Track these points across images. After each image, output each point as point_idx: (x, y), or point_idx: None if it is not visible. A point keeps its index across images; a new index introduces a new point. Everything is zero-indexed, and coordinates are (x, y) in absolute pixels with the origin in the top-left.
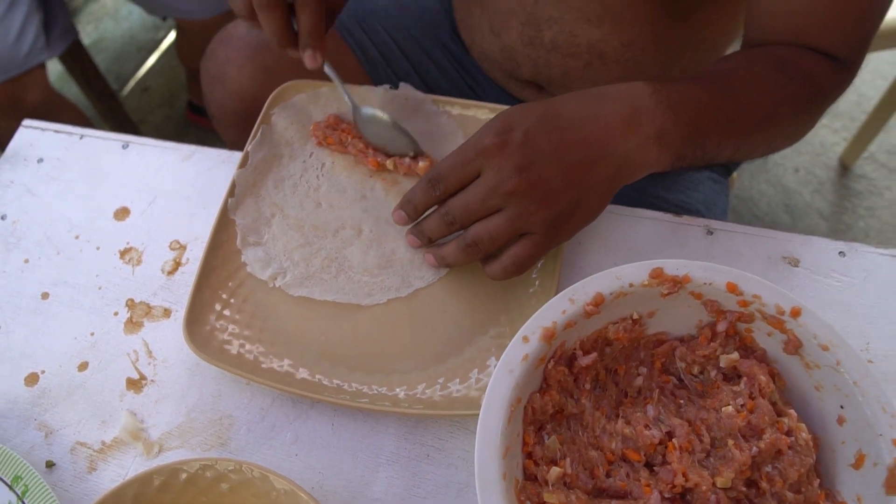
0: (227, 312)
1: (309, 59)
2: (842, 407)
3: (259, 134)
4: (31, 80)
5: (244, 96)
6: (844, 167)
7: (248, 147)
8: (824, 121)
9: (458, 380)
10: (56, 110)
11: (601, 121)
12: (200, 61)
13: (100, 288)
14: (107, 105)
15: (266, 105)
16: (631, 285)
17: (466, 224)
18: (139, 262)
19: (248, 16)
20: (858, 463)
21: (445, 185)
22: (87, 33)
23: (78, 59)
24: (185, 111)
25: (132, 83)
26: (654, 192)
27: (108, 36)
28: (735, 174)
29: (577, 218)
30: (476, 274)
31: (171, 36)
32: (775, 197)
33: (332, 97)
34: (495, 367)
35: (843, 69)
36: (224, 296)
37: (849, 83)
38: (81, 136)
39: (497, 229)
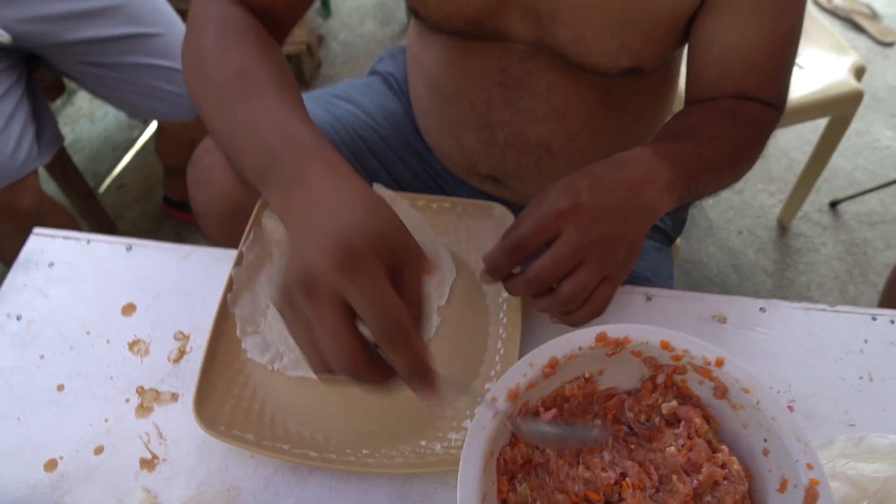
0: (231, 393)
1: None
2: (765, 440)
3: (251, 235)
4: (26, 186)
5: (228, 198)
6: (783, 227)
7: (242, 247)
8: (760, 185)
9: (437, 442)
10: (46, 211)
11: (631, 181)
12: (186, 167)
13: (111, 378)
14: (85, 202)
15: (255, 209)
16: (580, 348)
17: (552, 282)
18: (147, 352)
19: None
20: (783, 487)
21: (529, 248)
22: (65, 134)
23: (58, 159)
24: (161, 205)
25: (109, 181)
26: None
27: (84, 136)
28: (679, 241)
29: (634, 256)
30: (455, 351)
31: (146, 135)
32: (723, 259)
33: None
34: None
35: (776, 110)
36: (228, 378)
37: (776, 123)
38: (88, 241)
39: (587, 280)
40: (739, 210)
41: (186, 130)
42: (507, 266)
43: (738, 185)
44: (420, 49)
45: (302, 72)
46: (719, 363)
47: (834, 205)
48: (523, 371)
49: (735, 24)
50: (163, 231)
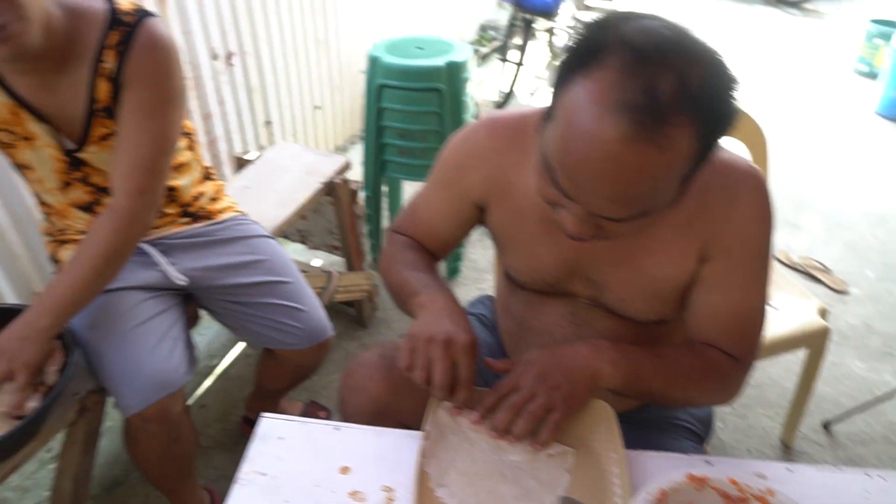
0: None
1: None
2: None
3: (430, 418)
4: (178, 396)
5: (378, 402)
6: (786, 446)
7: (426, 427)
8: (761, 410)
9: None
10: (184, 418)
11: (579, 351)
12: (284, 389)
13: None
14: None
15: (430, 403)
16: (677, 483)
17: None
18: (364, 499)
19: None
20: None
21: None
22: None
23: None
24: (241, 424)
25: (191, 401)
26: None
27: None
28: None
29: (573, 399)
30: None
31: (224, 363)
32: None
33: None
34: None
35: (737, 363)
36: None
37: (744, 372)
38: (304, 423)
39: (530, 396)
40: (745, 432)
41: (297, 357)
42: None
43: (741, 411)
44: (509, 297)
45: (362, 314)
46: (770, 493)
47: (826, 426)
48: (644, 498)
49: (709, 297)
50: (240, 448)
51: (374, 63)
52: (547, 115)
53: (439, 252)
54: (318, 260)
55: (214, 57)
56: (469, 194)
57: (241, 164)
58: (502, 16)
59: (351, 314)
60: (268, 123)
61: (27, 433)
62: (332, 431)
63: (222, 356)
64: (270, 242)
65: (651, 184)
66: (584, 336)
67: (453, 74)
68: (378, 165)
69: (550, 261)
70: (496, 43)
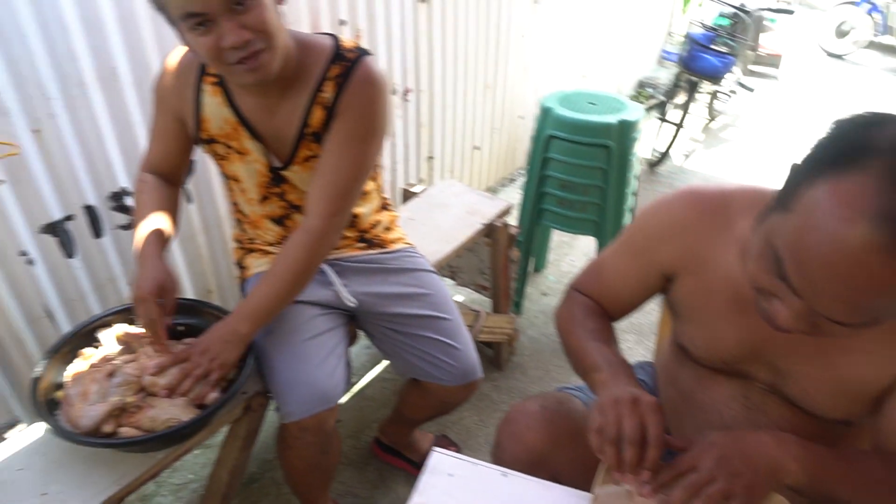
0: None
1: None
2: None
3: (599, 482)
4: (334, 410)
5: (535, 453)
6: None
7: (595, 489)
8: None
9: None
10: (335, 430)
11: (763, 439)
12: (422, 420)
13: None
14: None
15: (600, 469)
16: None
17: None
18: None
19: None
20: None
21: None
22: None
23: None
24: (372, 446)
25: None
26: None
27: None
28: None
29: (754, 491)
30: None
31: (362, 383)
32: None
33: None
34: None
35: None
36: None
37: None
38: (474, 464)
39: (706, 482)
40: None
41: (443, 392)
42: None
43: None
44: (676, 367)
45: (499, 357)
46: None
47: None
48: None
49: None
50: (369, 468)
51: (545, 113)
52: (779, 204)
53: (616, 315)
54: (459, 296)
55: (394, 92)
56: (660, 264)
57: (406, 195)
58: (662, 74)
59: (488, 355)
60: (430, 158)
61: (205, 422)
62: (499, 477)
63: (361, 376)
64: (435, 277)
65: (894, 295)
66: (756, 421)
67: (624, 133)
68: (535, 213)
69: (733, 341)
70: (654, 101)
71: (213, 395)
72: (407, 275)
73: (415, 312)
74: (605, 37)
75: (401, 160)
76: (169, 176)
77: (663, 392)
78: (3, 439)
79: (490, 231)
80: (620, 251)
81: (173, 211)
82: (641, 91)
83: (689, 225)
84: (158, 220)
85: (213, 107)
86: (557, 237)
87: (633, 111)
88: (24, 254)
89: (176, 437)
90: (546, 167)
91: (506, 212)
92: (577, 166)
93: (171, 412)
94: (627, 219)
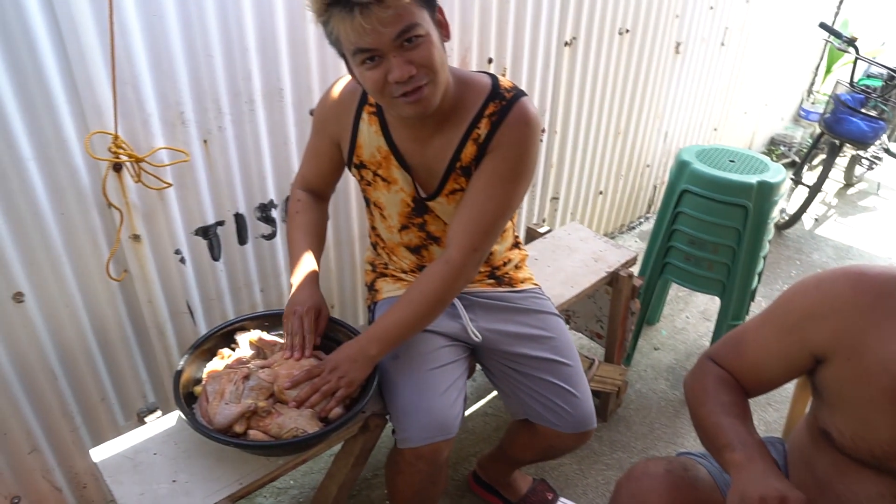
0: None
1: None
2: None
3: None
4: (450, 442)
5: None
6: None
7: None
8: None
9: None
10: (447, 462)
11: None
12: (521, 460)
13: None
14: None
15: None
16: None
17: None
18: None
19: None
20: None
21: None
22: None
23: None
24: (469, 480)
25: None
26: None
27: None
28: None
29: None
30: None
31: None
32: None
33: None
34: None
35: None
36: None
37: None
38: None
39: None
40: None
41: (555, 438)
42: None
43: None
44: (814, 452)
45: (606, 407)
46: None
47: None
48: None
49: None
50: (464, 500)
51: (681, 167)
52: None
53: (753, 392)
54: None
55: (543, 131)
56: (811, 344)
57: (530, 233)
58: (797, 132)
59: (594, 404)
60: (554, 199)
61: (327, 435)
62: None
63: (465, 408)
64: (559, 321)
65: None
66: None
67: (763, 194)
68: (658, 266)
69: (888, 435)
70: (785, 159)
71: (337, 411)
72: (533, 316)
73: (537, 354)
74: (742, 90)
75: (527, 199)
76: (319, 192)
77: (795, 474)
78: (143, 423)
79: (613, 280)
80: (767, 325)
81: (324, 228)
82: (773, 149)
83: (851, 306)
84: (313, 243)
85: (369, 135)
86: (673, 291)
87: (775, 173)
88: (178, 252)
89: (299, 447)
90: (676, 221)
91: (632, 262)
92: (709, 224)
93: (297, 422)
94: (755, 282)
